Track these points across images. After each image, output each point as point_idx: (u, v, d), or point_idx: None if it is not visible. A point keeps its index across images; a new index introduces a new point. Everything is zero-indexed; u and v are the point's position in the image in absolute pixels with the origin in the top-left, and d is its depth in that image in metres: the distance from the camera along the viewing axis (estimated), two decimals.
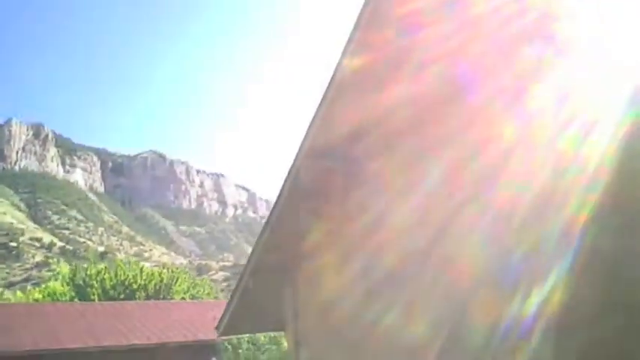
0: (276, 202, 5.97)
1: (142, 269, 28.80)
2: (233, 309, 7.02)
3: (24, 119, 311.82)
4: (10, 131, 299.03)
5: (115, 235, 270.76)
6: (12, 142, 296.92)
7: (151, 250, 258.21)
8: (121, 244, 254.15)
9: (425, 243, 5.33)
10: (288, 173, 5.67)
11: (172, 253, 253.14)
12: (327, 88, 4.96)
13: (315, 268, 6.33)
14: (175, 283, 28.38)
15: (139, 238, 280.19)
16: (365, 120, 5.35)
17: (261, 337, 11.31)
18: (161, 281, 27.94)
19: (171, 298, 26.96)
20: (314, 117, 5.21)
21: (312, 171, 5.40)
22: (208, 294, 31.29)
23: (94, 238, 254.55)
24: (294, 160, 5.56)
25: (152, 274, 28.16)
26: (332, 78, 4.90)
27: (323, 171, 5.46)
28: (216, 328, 7.64)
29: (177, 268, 32.29)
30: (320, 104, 5.13)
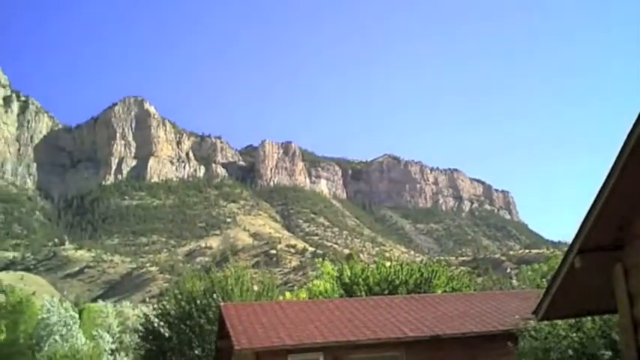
0: (610, 171, 5.46)
1: (402, 265, 29.79)
2: (555, 291, 6.66)
3: (274, 139, 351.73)
4: (264, 152, 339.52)
5: (357, 238, 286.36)
6: (266, 161, 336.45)
7: (391, 249, 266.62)
8: (363, 246, 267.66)
9: None
10: (628, 137, 5.11)
11: (411, 252, 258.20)
12: None
13: None
14: (435, 276, 28.71)
15: (379, 239, 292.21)
16: None
17: (560, 323, 10.62)
18: (421, 276, 28.52)
19: (433, 292, 27.25)
20: None
21: None
22: (467, 286, 30.93)
23: (339, 241, 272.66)
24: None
25: (412, 270, 28.95)
26: None
27: None
28: (534, 312, 7.34)
29: (433, 263, 32.65)
30: None
